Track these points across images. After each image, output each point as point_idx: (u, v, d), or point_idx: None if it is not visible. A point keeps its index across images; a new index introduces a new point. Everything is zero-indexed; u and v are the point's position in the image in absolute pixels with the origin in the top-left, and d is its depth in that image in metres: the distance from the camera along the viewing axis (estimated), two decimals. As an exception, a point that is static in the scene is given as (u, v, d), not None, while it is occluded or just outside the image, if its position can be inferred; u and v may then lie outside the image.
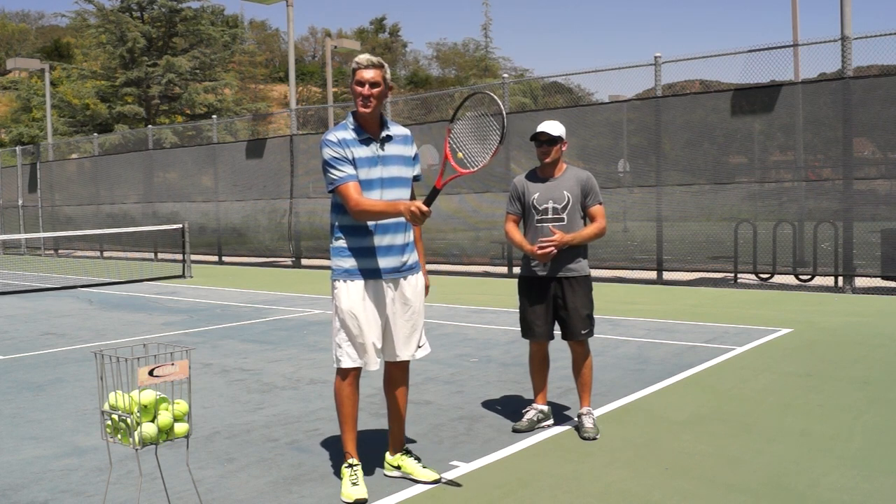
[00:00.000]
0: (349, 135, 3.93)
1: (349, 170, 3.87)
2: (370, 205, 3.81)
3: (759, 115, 12.74)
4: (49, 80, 28.47)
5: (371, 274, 3.92)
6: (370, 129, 3.97)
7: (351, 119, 3.99)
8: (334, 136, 3.92)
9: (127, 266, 19.50)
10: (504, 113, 3.75)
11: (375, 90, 3.89)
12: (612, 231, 14.18)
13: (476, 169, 3.81)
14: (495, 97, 3.80)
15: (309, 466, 4.29)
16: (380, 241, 3.93)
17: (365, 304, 3.90)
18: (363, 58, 3.92)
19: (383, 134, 3.98)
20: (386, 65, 3.98)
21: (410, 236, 4.05)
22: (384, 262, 3.94)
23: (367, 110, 3.89)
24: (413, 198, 4.09)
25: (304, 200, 18.60)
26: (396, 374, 4.14)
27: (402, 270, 4.00)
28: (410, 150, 4.07)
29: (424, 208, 3.63)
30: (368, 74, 3.88)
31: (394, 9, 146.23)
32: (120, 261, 21.57)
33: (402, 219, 3.87)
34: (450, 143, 3.85)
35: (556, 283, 4.82)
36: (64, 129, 36.21)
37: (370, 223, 3.91)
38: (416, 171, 4.10)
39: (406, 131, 4.11)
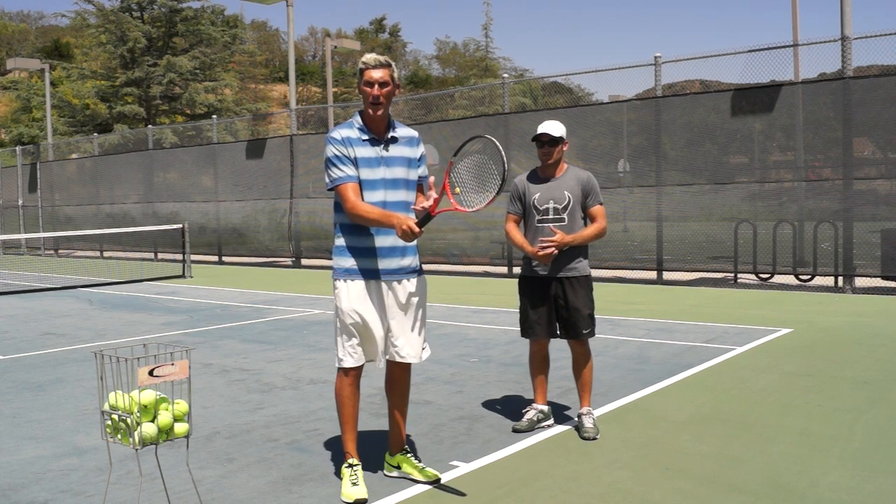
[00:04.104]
0: (354, 134, 3.91)
1: (349, 170, 3.86)
2: (366, 210, 3.79)
3: (759, 115, 12.74)
4: (49, 80, 28.46)
5: (371, 274, 3.91)
6: (376, 130, 3.94)
7: (358, 118, 3.97)
8: (339, 133, 3.91)
9: (127, 266, 19.50)
10: (506, 165, 3.70)
11: (384, 90, 3.86)
12: (612, 231, 14.17)
13: (470, 210, 3.80)
14: (501, 149, 3.72)
15: (309, 466, 4.29)
16: (381, 241, 3.91)
17: (365, 304, 3.89)
18: (370, 57, 3.88)
19: (389, 135, 3.95)
20: (393, 63, 3.94)
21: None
22: (385, 264, 3.92)
23: (378, 112, 3.87)
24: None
25: (304, 200, 18.60)
26: (398, 374, 4.13)
27: (404, 272, 3.98)
28: (416, 152, 4.03)
29: (416, 229, 3.62)
30: (377, 74, 3.85)
31: (394, 9, 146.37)
32: (120, 261, 21.57)
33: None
34: (451, 176, 3.83)
35: (556, 283, 4.82)
36: (64, 129, 36.25)
37: None
38: (422, 171, 4.06)
39: (413, 133, 4.07)
